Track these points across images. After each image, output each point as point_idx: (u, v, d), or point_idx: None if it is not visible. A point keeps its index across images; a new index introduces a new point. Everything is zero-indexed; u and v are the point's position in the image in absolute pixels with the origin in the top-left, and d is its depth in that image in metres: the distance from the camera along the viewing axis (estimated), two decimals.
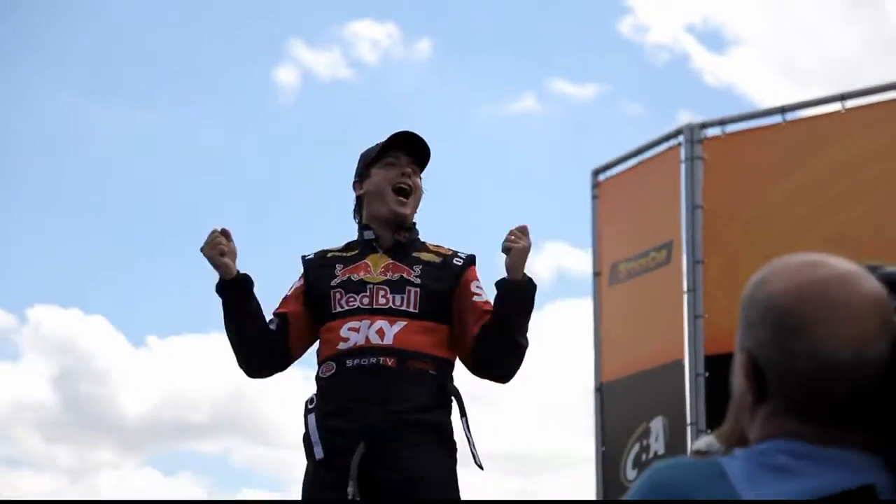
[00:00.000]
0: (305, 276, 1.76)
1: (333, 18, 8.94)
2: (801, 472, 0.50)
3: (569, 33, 8.38)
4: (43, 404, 7.63)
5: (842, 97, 3.20)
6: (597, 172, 3.81)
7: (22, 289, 8.36)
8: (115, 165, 8.27)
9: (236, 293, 1.67)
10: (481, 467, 1.68)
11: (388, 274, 1.68)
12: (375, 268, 1.70)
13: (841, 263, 0.53)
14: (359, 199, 1.80)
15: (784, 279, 0.52)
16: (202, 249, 1.65)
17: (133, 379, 7.78)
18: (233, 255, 1.67)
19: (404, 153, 1.75)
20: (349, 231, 1.83)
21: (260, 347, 1.71)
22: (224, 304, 1.68)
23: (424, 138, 1.77)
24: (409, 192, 1.72)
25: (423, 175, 1.79)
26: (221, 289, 1.67)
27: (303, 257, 1.80)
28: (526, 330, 1.67)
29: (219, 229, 1.67)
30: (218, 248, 1.65)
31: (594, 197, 3.80)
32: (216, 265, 1.65)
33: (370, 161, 1.76)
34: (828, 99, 3.30)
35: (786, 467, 0.50)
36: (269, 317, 1.73)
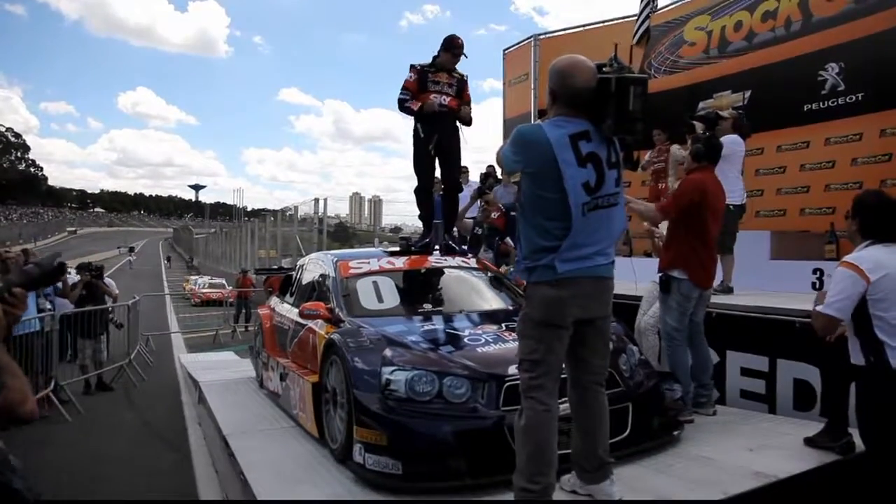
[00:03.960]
0: None
1: None
2: (562, 125, 2.62)
3: None
4: None
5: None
6: (505, 49, 11.72)
7: None
8: None
9: None
10: None
11: None
12: None
13: (584, 58, 2.68)
14: None
15: (562, 60, 2.69)
16: None
17: None
18: None
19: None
20: None
21: None
22: None
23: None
24: None
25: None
26: None
27: None
28: None
29: None
30: None
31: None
32: None
33: None
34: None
35: (558, 123, 2.63)
36: None
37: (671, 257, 4.22)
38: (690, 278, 4.15)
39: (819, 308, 2.94)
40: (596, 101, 2.65)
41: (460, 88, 5.37)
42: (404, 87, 5.26)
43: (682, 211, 4.14)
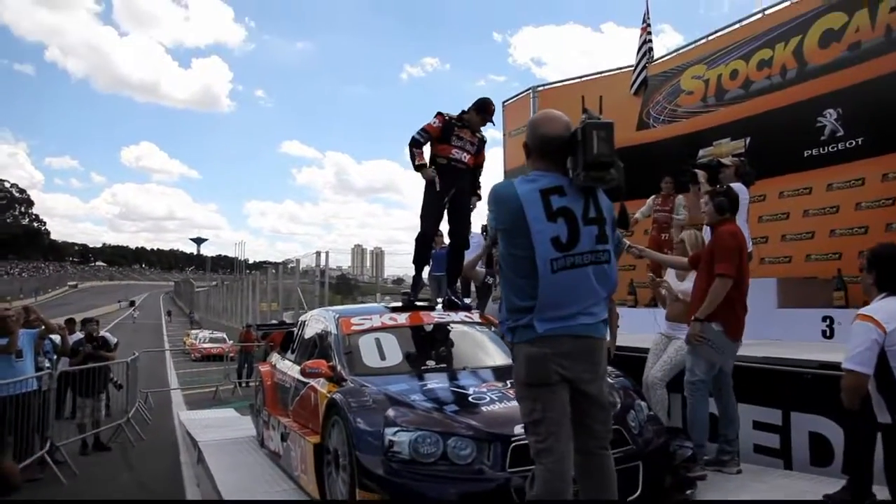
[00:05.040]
0: None
1: None
2: (535, 180, 2.61)
3: None
4: None
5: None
6: (504, 101, 11.96)
7: None
8: None
9: None
10: None
11: None
12: None
13: (558, 112, 2.67)
14: None
15: (536, 114, 2.81)
16: None
17: None
18: None
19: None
20: None
21: None
22: None
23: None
24: None
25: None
26: None
27: None
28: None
29: None
30: None
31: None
32: None
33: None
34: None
35: (531, 178, 2.62)
36: None
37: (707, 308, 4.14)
38: (727, 331, 4.10)
39: (843, 364, 2.92)
40: (567, 154, 2.65)
41: (479, 149, 5.54)
42: (424, 130, 5.34)
43: (736, 268, 4.09)
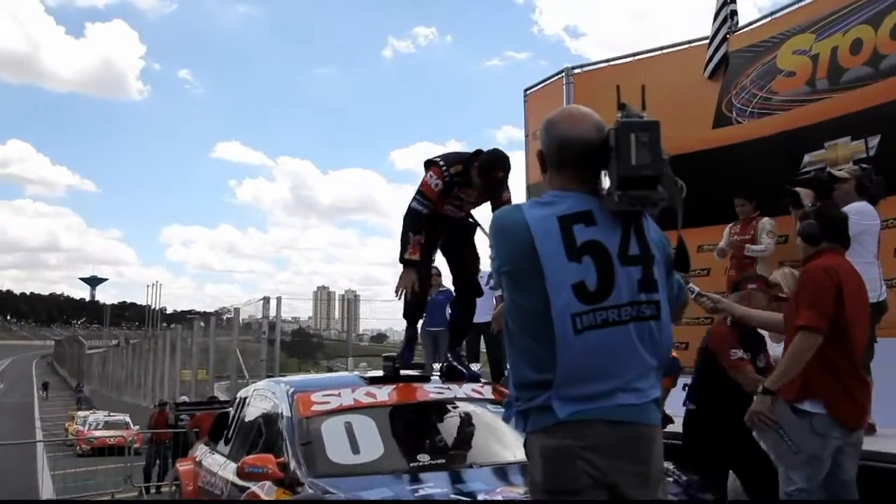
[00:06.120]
0: None
1: None
2: (555, 202, 2.55)
3: None
4: None
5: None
6: (526, 89, 12.22)
7: None
8: None
9: None
10: None
11: None
12: None
13: (586, 109, 2.69)
14: None
15: (554, 113, 2.70)
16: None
17: None
18: None
19: None
20: None
21: None
22: None
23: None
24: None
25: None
26: None
27: None
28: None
29: None
30: None
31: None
32: None
33: None
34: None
35: (549, 201, 2.56)
36: None
37: (799, 381, 4.10)
38: (832, 414, 4.06)
39: None
40: (599, 167, 2.63)
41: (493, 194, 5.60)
42: (423, 195, 5.40)
43: (829, 318, 4.02)
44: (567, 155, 2.66)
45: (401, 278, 5.39)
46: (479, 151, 5.35)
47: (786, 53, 9.69)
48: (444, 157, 5.51)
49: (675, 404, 5.52)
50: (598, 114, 2.73)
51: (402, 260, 5.37)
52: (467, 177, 5.38)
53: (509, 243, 2.60)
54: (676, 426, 5.47)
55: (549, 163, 2.72)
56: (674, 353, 5.17)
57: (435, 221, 5.49)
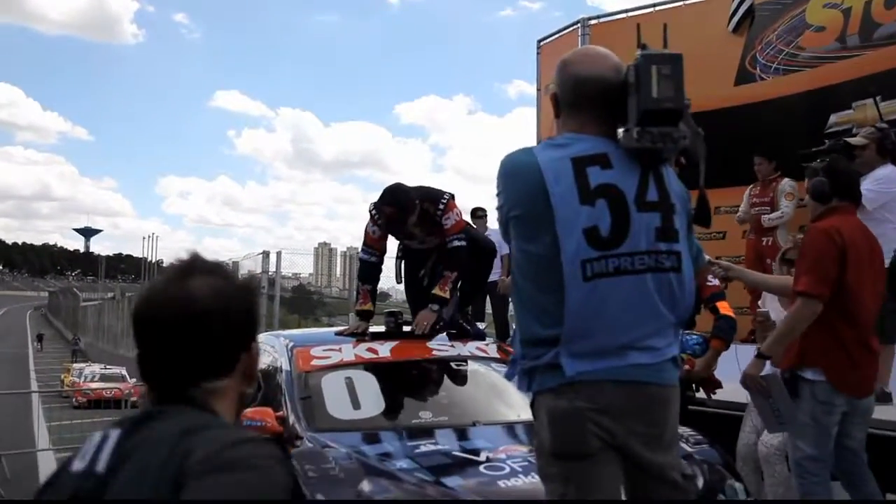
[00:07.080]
0: None
1: None
2: (569, 144, 2.51)
3: None
4: None
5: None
6: (540, 40, 12.06)
7: None
8: None
9: None
10: None
11: None
12: None
13: (602, 49, 2.68)
14: None
15: (569, 53, 2.76)
16: None
17: None
18: None
19: None
20: None
21: None
22: None
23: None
24: None
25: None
26: None
27: None
28: None
29: None
30: None
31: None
32: None
33: None
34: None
35: (563, 143, 2.53)
36: None
37: (799, 347, 4.10)
38: (831, 379, 4.01)
39: None
40: (616, 110, 2.55)
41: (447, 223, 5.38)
42: (367, 245, 5.57)
43: (831, 283, 3.96)
44: (582, 95, 2.62)
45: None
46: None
47: (816, 6, 9.55)
48: (377, 201, 5.34)
49: (729, 368, 5.12)
50: None
51: (356, 312, 5.60)
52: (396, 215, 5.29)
53: (519, 185, 2.55)
54: (725, 392, 5.40)
55: (564, 104, 2.69)
56: (731, 313, 5.15)
57: (416, 253, 5.72)
